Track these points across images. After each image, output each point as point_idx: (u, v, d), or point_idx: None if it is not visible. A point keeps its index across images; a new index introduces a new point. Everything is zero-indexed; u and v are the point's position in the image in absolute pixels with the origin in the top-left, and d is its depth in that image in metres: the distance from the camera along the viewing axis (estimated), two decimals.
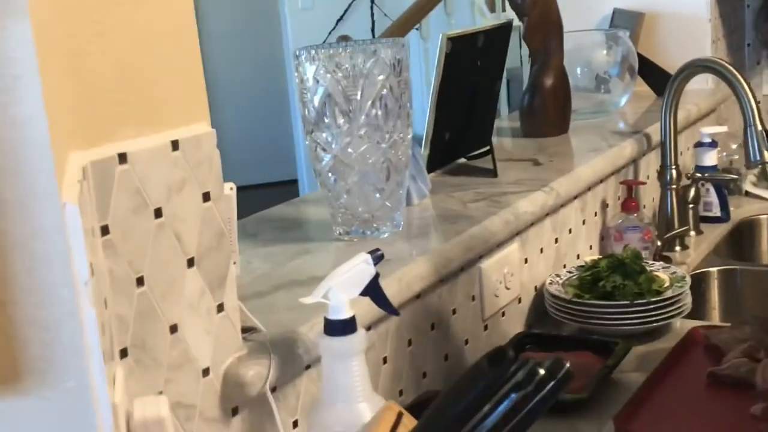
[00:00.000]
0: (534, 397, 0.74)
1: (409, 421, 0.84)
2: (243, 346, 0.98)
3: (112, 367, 0.78)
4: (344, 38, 3.96)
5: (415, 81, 5.46)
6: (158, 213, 0.87)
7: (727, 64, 1.80)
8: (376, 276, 0.97)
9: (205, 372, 0.94)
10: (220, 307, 0.95)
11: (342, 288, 0.94)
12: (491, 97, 1.86)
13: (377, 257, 0.97)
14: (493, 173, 1.72)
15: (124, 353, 0.84)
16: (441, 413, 0.77)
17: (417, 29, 3.86)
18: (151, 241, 0.86)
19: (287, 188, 5.86)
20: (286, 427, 1.04)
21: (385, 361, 1.22)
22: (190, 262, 0.91)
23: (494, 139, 1.87)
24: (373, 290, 0.97)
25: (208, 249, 0.93)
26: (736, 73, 1.77)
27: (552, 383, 0.75)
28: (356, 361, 0.94)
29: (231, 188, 1.14)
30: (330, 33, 5.98)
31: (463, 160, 1.83)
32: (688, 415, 1.23)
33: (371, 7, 6.19)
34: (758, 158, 1.71)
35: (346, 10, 6.14)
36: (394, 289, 1.18)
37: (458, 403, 0.76)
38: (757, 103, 1.74)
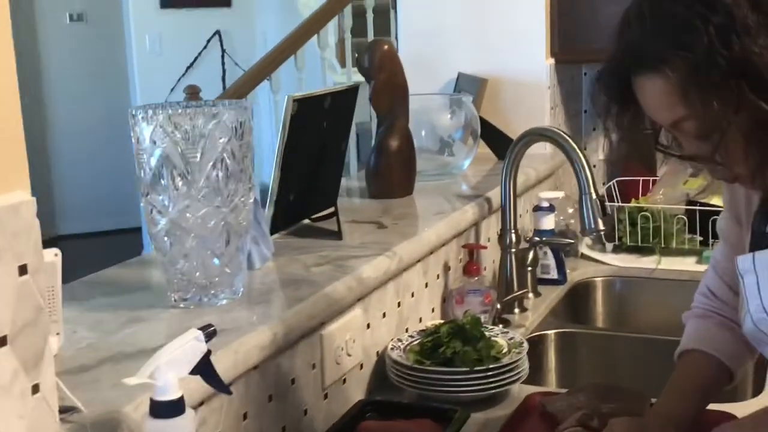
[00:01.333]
0: None
1: None
2: (60, 430, 0.92)
3: None
4: (192, 89, 3.89)
5: (265, 131, 5.45)
6: None
7: (563, 134, 1.87)
8: (208, 353, 0.93)
9: None
10: (35, 388, 0.88)
11: (170, 367, 0.90)
12: (338, 157, 1.86)
13: (209, 333, 0.93)
14: (338, 235, 1.70)
15: None
16: None
17: (268, 80, 3.84)
18: None
19: (133, 235, 5.72)
20: None
21: None
22: (2, 341, 0.84)
23: (341, 200, 1.86)
24: (203, 368, 0.93)
25: (23, 326, 0.86)
26: (572, 142, 1.83)
27: None
28: None
29: (55, 254, 1.08)
30: (179, 80, 5.88)
31: (308, 221, 1.81)
32: None
33: (222, 56, 6.14)
34: (593, 226, 1.76)
35: (196, 58, 6.07)
36: (229, 361, 1.14)
37: None
38: (592, 171, 1.80)
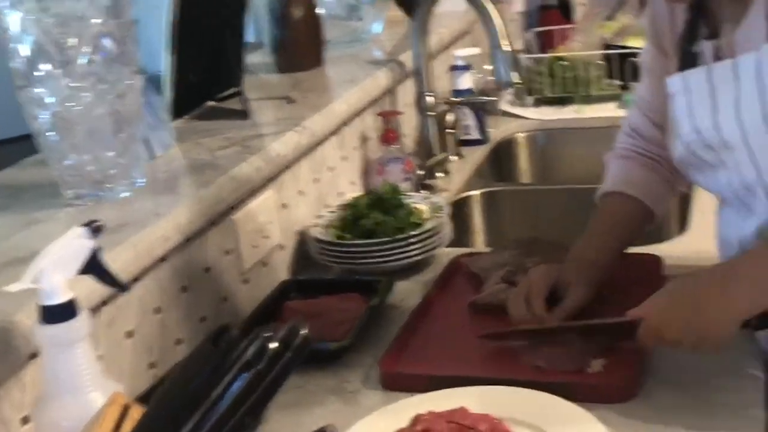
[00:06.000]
0: (268, 373, 0.67)
1: (137, 413, 0.75)
2: None
3: None
4: None
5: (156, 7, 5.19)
6: None
7: None
8: (96, 250, 0.87)
9: None
10: None
11: (56, 269, 0.83)
12: (236, 32, 1.75)
13: (95, 229, 0.86)
14: (243, 115, 1.62)
15: None
16: (167, 403, 0.69)
17: None
18: None
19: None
20: (12, 423, 0.92)
21: (130, 335, 1.12)
22: None
23: (247, 77, 1.77)
24: (94, 266, 0.86)
25: None
26: None
27: (288, 356, 0.68)
28: (80, 348, 0.84)
29: None
30: None
31: (212, 102, 1.72)
32: (452, 350, 1.21)
33: None
34: (506, 79, 1.71)
35: None
36: (129, 256, 1.08)
37: (185, 390, 0.68)
38: (503, 22, 1.73)
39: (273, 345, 0.69)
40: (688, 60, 1.11)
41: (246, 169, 1.35)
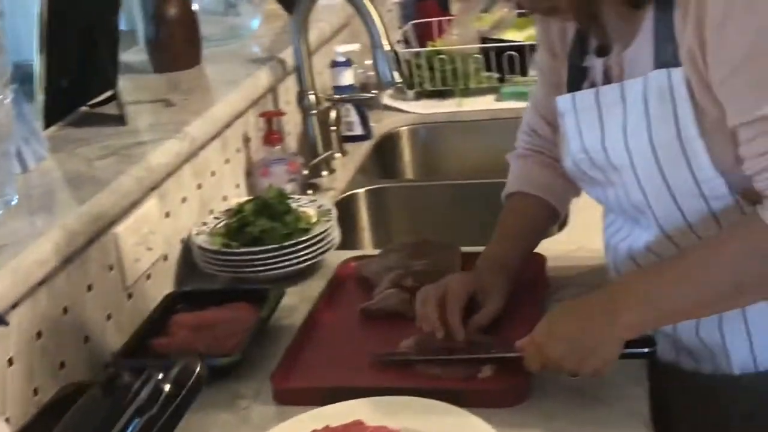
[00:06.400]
0: (161, 416, 0.65)
1: None
2: None
3: None
4: None
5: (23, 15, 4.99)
6: None
7: None
8: None
9: None
10: None
11: None
12: (110, 32, 1.69)
13: None
14: (121, 121, 1.57)
15: None
16: None
17: None
18: None
19: None
20: None
21: (11, 362, 1.07)
22: None
23: (122, 79, 1.71)
24: None
25: None
26: None
27: (181, 396, 0.66)
28: None
29: None
30: None
31: (86, 108, 1.65)
32: (345, 360, 1.21)
33: None
34: (389, 79, 1.71)
35: None
36: (7, 281, 1.03)
37: None
38: (382, 21, 1.73)
39: (166, 387, 0.67)
40: (577, 74, 1.13)
41: (127, 181, 1.31)
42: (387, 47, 1.70)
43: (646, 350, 1.07)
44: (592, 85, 1.10)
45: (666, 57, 0.99)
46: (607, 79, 1.09)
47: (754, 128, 0.93)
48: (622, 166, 1.05)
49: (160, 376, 0.70)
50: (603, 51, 1.10)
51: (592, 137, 1.08)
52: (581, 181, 1.16)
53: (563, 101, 1.11)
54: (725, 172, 0.98)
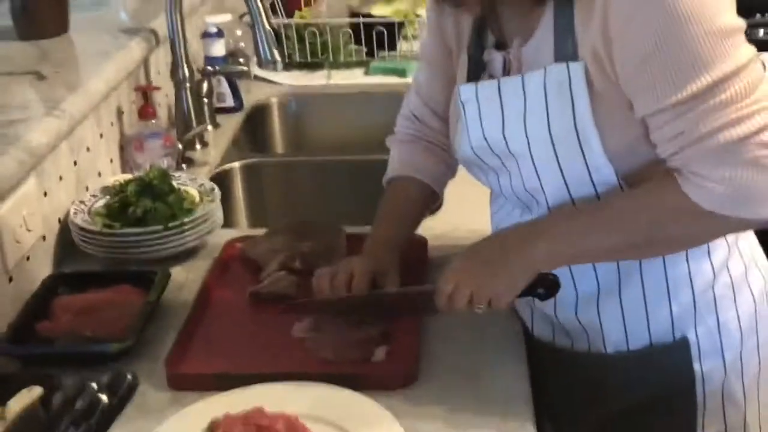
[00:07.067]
0: (98, 426, 0.67)
1: None
2: None
3: None
4: None
5: None
6: None
7: None
8: None
9: None
10: None
11: None
12: None
13: None
14: None
15: None
16: None
17: None
18: None
19: None
20: None
21: None
22: None
23: None
24: None
25: None
26: None
27: (117, 401, 0.68)
28: None
29: None
30: None
31: None
32: (238, 346, 1.23)
33: None
34: (269, 58, 1.72)
35: None
36: None
37: None
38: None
39: (104, 398, 0.68)
40: (477, 67, 1.17)
41: (9, 163, 1.27)
42: (267, 27, 1.70)
43: (541, 291, 1.12)
44: (492, 77, 1.16)
45: (565, 51, 1.05)
46: (507, 73, 1.14)
47: (665, 115, 1.00)
48: (520, 153, 1.11)
49: (94, 386, 0.71)
50: (502, 45, 1.15)
51: (492, 125, 1.13)
52: (476, 168, 1.21)
53: (466, 90, 1.15)
54: (615, 160, 1.06)
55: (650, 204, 1.05)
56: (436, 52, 1.29)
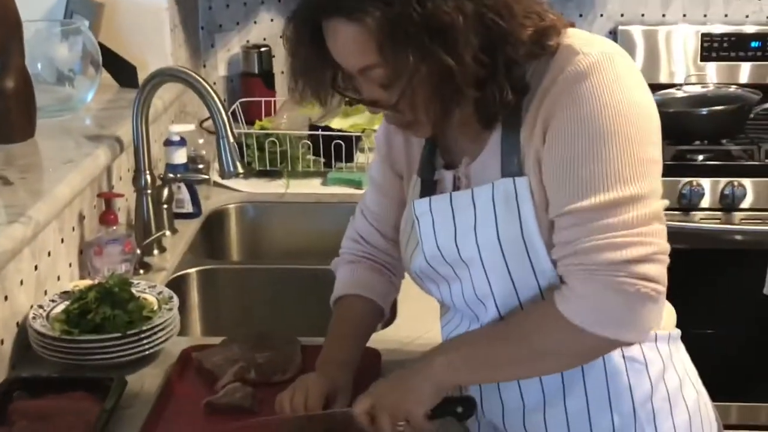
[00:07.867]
0: None
1: None
2: None
3: None
4: None
5: None
6: None
7: (197, 76, 1.83)
8: None
9: None
10: None
11: None
12: None
13: None
14: None
15: None
16: None
17: None
18: None
19: None
20: None
21: None
22: None
23: None
24: None
25: None
26: (206, 84, 1.81)
27: None
28: None
29: None
30: None
31: None
32: None
33: None
34: (232, 170, 1.78)
35: None
36: None
37: None
38: (228, 113, 1.79)
39: None
40: (429, 187, 1.27)
41: None
42: (231, 139, 1.77)
43: (460, 409, 1.21)
44: (443, 192, 1.25)
45: (511, 168, 1.15)
46: (457, 188, 1.23)
47: (564, 220, 1.09)
48: (471, 260, 1.19)
49: None
50: (451, 165, 1.25)
51: (445, 235, 1.21)
52: (427, 280, 1.28)
53: (421, 204, 1.24)
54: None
55: (532, 316, 1.15)
56: (383, 176, 1.39)
